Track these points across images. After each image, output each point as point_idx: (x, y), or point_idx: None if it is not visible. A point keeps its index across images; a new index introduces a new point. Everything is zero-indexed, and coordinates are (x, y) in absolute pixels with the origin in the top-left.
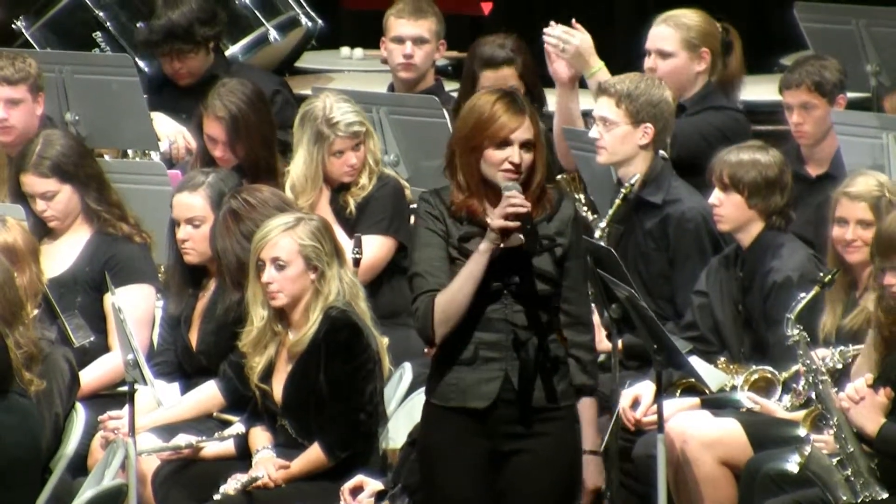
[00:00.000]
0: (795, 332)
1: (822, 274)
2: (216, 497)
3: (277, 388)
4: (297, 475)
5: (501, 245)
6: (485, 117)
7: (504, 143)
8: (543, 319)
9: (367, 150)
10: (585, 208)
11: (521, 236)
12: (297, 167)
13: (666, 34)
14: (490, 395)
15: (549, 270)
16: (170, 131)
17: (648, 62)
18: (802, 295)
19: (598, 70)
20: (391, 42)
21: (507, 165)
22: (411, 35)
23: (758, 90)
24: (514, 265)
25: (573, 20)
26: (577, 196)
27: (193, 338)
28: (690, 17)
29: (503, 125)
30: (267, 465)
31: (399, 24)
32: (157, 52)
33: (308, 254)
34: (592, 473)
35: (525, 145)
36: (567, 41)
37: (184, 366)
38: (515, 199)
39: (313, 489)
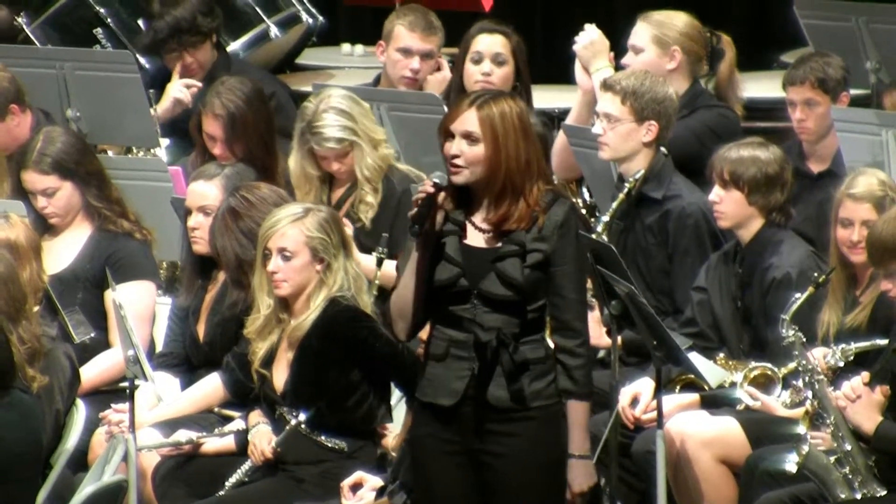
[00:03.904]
0: (791, 332)
1: (815, 274)
2: (220, 493)
3: (277, 376)
4: None
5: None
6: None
7: (449, 134)
8: (514, 322)
9: (354, 161)
10: (584, 210)
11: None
12: (291, 161)
13: (639, 30)
14: (457, 394)
15: (513, 276)
16: (171, 86)
17: (625, 58)
18: (797, 295)
19: (601, 70)
20: (396, 52)
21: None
22: (421, 50)
23: (758, 87)
24: (483, 267)
25: (586, 24)
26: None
27: (201, 330)
28: (668, 16)
29: (446, 117)
30: (261, 441)
31: (411, 38)
32: (165, 51)
33: (315, 245)
34: (577, 477)
35: (468, 137)
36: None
37: (190, 358)
38: (420, 187)
39: (314, 486)
